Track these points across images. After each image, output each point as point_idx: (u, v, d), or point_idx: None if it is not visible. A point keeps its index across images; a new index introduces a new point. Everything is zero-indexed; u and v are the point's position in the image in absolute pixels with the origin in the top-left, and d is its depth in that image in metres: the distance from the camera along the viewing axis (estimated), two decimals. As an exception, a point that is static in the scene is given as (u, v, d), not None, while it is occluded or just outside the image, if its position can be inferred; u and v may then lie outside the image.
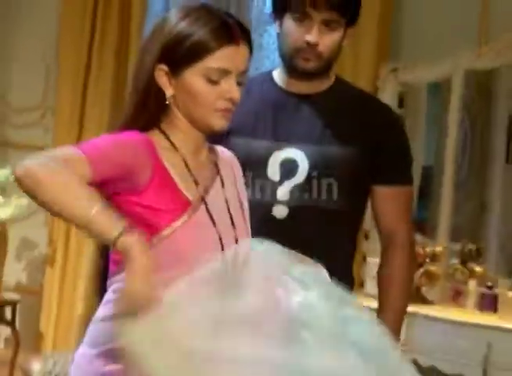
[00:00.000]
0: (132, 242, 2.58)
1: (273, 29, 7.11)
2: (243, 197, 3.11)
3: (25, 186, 2.61)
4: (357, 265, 6.70)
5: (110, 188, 2.79)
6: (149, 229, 2.80)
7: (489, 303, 6.55)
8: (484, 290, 6.63)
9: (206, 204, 2.90)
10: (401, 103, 7.27)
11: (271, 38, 7.63)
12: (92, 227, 2.59)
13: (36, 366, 5.83)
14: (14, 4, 8.30)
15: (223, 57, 2.81)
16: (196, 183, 2.91)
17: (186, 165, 2.92)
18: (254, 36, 7.21)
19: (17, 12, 8.23)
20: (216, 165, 3.04)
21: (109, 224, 2.59)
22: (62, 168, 2.62)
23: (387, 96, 7.05)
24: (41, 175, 2.58)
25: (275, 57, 7.12)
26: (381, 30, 7.19)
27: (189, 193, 2.88)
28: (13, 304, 7.71)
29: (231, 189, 3.02)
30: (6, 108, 8.25)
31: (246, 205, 3.11)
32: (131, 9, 7.70)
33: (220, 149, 3.15)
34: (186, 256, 2.80)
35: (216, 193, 2.95)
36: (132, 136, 2.83)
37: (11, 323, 7.76)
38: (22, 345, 7.62)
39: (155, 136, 2.89)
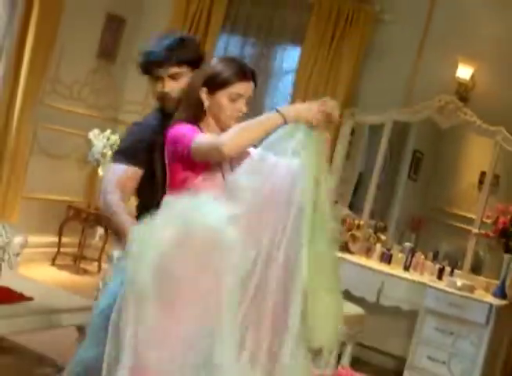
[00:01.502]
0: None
1: (287, 77, 7.84)
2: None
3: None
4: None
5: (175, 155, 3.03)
6: (186, 181, 3.02)
7: (386, 258, 6.91)
8: (384, 250, 6.98)
9: (222, 167, 3.07)
10: (352, 133, 7.38)
11: (283, 82, 7.87)
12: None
13: (116, 253, 5.65)
14: (131, 30, 8.42)
15: (240, 87, 3.08)
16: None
17: None
18: (273, 80, 7.89)
19: (133, 36, 8.35)
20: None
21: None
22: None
23: (346, 130, 7.31)
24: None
25: (286, 93, 7.59)
26: (347, 91, 7.33)
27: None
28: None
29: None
30: (122, 100, 8.39)
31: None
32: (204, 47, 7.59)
33: None
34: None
35: (226, 164, 3.07)
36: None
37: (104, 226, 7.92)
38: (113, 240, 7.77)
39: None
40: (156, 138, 3.18)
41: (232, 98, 3.09)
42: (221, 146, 2.86)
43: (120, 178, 3.24)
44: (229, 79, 3.09)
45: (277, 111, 2.90)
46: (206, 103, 3.11)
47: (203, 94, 3.11)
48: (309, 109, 2.91)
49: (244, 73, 3.12)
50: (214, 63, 3.17)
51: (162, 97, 3.27)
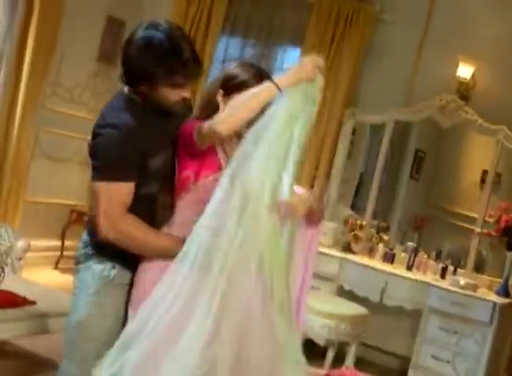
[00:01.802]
0: None
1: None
2: None
3: None
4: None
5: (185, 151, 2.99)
6: (188, 180, 2.99)
7: (389, 258, 6.92)
8: (387, 250, 6.99)
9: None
10: (353, 132, 7.38)
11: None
12: None
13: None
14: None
15: None
16: (226, 155, 3.03)
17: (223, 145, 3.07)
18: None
19: None
20: None
21: None
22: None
23: (347, 130, 7.35)
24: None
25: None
26: (347, 91, 7.33)
27: (223, 160, 3.02)
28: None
29: None
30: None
31: None
32: (204, 54, 7.74)
33: None
34: (205, 199, 2.87)
35: None
36: None
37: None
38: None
39: None
40: (161, 143, 3.06)
41: None
42: (215, 125, 2.85)
43: (122, 199, 2.97)
44: (245, 82, 3.06)
45: (271, 82, 2.84)
46: (221, 105, 3.09)
47: (219, 96, 3.12)
48: (305, 68, 2.84)
49: (261, 77, 3.04)
50: (232, 66, 3.18)
51: (181, 101, 3.07)
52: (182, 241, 2.85)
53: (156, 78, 2.95)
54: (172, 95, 3.01)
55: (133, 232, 2.97)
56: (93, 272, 3.08)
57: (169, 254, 2.86)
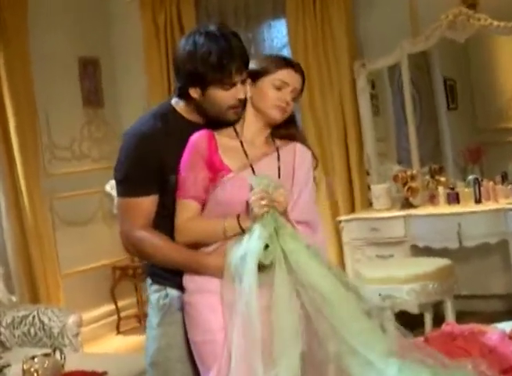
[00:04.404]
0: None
1: (283, 52, 7.73)
2: (295, 175, 3.10)
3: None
4: (365, 191, 7.29)
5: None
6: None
7: (454, 198, 6.86)
8: (449, 191, 6.92)
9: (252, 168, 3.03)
10: (373, 86, 7.38)
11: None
12: None
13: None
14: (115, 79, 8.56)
15: (283, 74, 3.07)
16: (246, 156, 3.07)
17: (242, 145, 3.09)
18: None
19: (112, 73, 8.54)
20: (277, 149, 3.13)
21: None
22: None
23: (361, 83, 7.27)
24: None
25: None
26: (349, 44, 7.25)
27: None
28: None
29: (286, 164, 3.10)
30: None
31: (297, 178, 3.11)
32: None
33: (291, 144, 3.18)
34: (229, 201, 3.00)
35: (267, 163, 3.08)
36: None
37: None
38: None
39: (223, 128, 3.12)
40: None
41: (276, 85, 3.08)
42: (175, 231, 3.05)
43: (140, 214, 3.10)
44: (268, 68, 3.11)
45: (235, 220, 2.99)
46: (249, 94, 3.12)
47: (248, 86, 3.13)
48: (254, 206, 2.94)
49: (289, 61, 3.16)
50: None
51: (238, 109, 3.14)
52: (206, 254, 3.01)
53: (205, 77, 3.00)
54: (225, 97, 3.04)
55: (146, 248, 3.10)
56: (152, 306, 3.21)
57: (192, 269, 3.03)
